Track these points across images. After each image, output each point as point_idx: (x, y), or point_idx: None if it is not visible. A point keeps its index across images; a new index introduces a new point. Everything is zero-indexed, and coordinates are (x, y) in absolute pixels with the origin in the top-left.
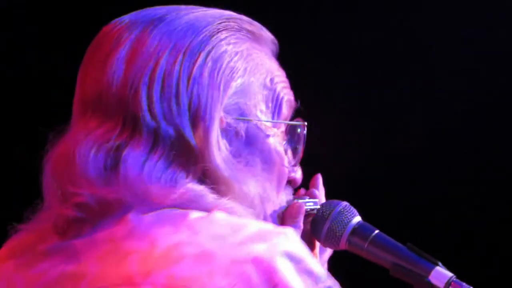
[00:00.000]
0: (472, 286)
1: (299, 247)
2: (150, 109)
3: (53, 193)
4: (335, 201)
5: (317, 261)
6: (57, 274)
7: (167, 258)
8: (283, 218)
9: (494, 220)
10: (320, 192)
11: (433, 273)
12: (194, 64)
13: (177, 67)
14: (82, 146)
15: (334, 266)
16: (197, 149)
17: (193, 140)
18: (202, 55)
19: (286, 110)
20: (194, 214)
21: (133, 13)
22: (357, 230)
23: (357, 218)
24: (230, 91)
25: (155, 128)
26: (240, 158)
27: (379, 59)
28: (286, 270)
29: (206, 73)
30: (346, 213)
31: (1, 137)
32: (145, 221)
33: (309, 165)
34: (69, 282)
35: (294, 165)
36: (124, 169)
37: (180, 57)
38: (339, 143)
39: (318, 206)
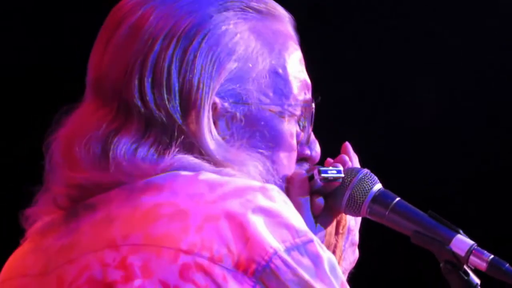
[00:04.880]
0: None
1: (277, 202)
2: (142, 97)
3: (52, 174)
4: (356, 168)
5: (348, 226)
6: (59, 246)
7: (145, 220)
8: (286, 188)
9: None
10: (354, 159)
11: (454, 241)
12: (188, 48)
13: (170, 51)
14: (77, 133)
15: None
16: (190, 134)
17: (185, 125)
18: (198, 38)
19: (298, 90)
20: (181, 173)
21: None
22: (378, 198)
23: (378, 186)
24: (225, 75)
25: (147, 115)
26: (238, 141)
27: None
28: (258, 225)
29: (199, 58)
30: (367, 180)
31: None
32: (136, 188)
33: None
34: (66, 251)
35: (306, 143)
36: (113, 156)
37: (174, 41)
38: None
39: (342, 175)
